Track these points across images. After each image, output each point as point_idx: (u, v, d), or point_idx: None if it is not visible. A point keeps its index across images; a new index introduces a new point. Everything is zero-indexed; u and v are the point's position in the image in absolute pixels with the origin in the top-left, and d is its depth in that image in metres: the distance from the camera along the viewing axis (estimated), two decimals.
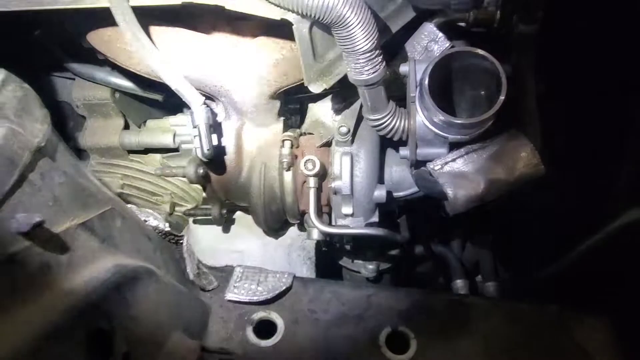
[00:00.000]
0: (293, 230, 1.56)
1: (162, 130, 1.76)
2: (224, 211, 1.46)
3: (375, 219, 1.34)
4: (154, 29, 1.20)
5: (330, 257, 1.60)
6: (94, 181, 0.87)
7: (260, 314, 1.20)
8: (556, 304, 1.21)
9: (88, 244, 0.76)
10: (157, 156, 1.79)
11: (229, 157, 1.34)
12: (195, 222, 1.56)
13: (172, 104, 1.76)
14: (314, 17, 0.95)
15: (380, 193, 1.30)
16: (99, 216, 0.81)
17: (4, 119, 0.62)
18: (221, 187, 1.40)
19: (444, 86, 1.15)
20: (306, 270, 1.47)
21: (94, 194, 0.83)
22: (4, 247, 0.60)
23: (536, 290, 1.36)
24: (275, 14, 0.99)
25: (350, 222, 1.32)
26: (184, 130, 1.70)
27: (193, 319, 1.07)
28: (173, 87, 1.15)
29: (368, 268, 1.52)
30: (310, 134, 1.40)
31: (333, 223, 1.35)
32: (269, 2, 0.96)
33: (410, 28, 1.20)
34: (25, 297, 0.61)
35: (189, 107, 1.39)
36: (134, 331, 0.80)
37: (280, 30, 1.18)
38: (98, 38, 1.23)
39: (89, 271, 0.74)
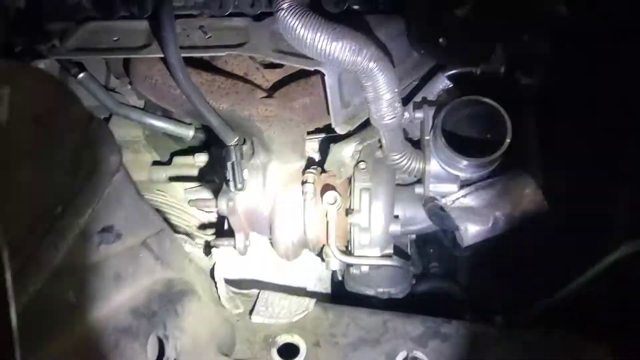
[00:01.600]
0: (311, 262, 1.66)
1: (188, 166, 1.88)
2: (248, 242, 1.56)
3: (390, 250, 1.44)
4: (195, 74, 1.34)
5: (343, 288, 1.68)
6: (149, 205, 0.99)
7: (283, 337, 1.28)
8: (561, 332, 1.29)
9: (147, 259, 0.86)
10: (179, 188, 1.91)
11: (256, 191, 1.46)
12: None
13: (197, 141, 1.90)
14: (344, 68, 1.09)
15: (395, 226, 1.41)
16: (155, 236, 0.92)
17: (93, 150, 0.75)
18: (247, 219, 1.51)
19: (456, 130, 1.28)
20: (323, 298, 1.56)
21: (150, 217, 0.94)
22: (89, 257, 0.70)
23: (541, 320, 1.43)
24: (309, 64, 1.13)
25: (367, 252, 1.42)
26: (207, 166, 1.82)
27: (224, 338, 1.16)
28: (212, 126, 1.28)
29: (379, 292, 1.60)
30: (331, 171, 1.52)
31: (351, 253, 1.45)
32: (304, 55, 1.10)
33: (426, 78, 1.34)
34: (101, 298, 0.71)
35: (214, 145, 1.53)
36: (181, 341, 0.89)
37: (309, 77, 1.33)
38: (146, 83, 1.37)
39: (148, 282, 0.84)
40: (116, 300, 0.75)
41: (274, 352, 1.26)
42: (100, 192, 0.73)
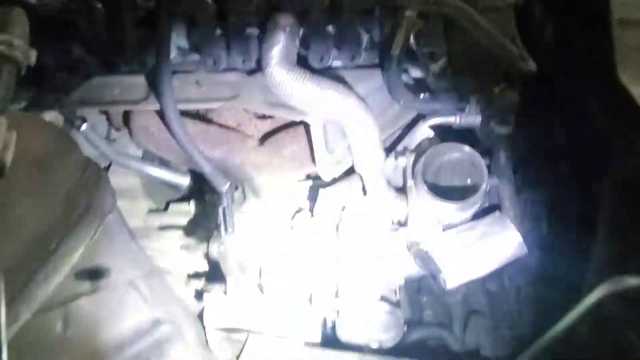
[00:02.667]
0: (301, 307, 1.67)
1: (183, 213, 1.94)
2: (239, 287, 1.59)
3: (377, 294, 1.46)
4: (190, 124, 1.42)
5: (334, 336, 1.69)
6: (140, 247, 1.03)
7: None
8: None
9: (134, 298, 0.90)
10: (174, 236, 1.95)
11: (246, 237, 1.50)
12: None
13: (192, 189, 1.96)
14: (329, 118, 1.17)
15: (382, 269, 1.44)
16: (144, 277, 0.96)
17: (88, 193, 0.81)
18: (238, 264, 1.54)
19: (437, 176, 1.35)
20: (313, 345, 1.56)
21: (140, 258, 0.99)
22: (78, 293, 0.74)
23: None
24: (296, 115, 1.22)
25: (356, 296, 1.44)
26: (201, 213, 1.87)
27: None
28: (205, 173, 1.34)
29: (370, 339, 1.60)
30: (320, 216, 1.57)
31: (338, 298, 1.47)
32: (293, 108, 1.18)
33: (409, 126, 1.42)
34: (88, 334, 0.75)
35: (208, 193, 1.59)
36: None
37: (297, 127, 1.41)
38: (143, 132, 1.45)
39: (134, 322, 0.87)
40: (102, 337, 0.78)
41: None
42: (92, 231, 0.78)
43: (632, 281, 1.19)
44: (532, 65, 1.27)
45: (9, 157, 0.58)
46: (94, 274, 0.77)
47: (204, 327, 1.33)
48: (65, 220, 0.73)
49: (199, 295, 1.69)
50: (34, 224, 0.68)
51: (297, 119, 1.23)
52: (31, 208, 0.68)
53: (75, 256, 0.73)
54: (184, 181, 1.89)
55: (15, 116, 0.62)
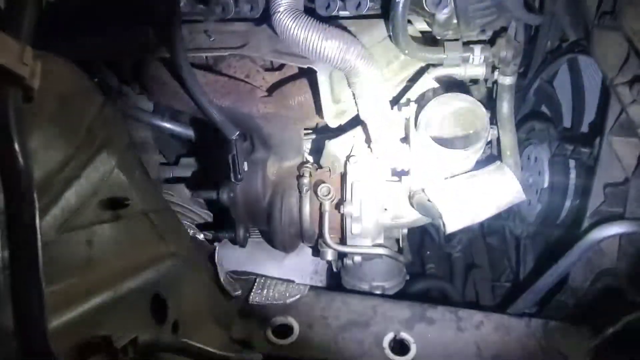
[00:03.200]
0: (308, 255, 1.75)
1: (193, 166, 2.00)
2: (247, 234, 1.66)
3: (380, 240, 1.53)
4: (200, 75, 1.46)
5: (339, 280, 1.77)
6: (155, 184, 1.09)
7: (278, 318, 1.36)
8: (542, 317, 1.37)
9: (150, 229, 0.96)
10: (184, 188, 2.02)
11: (255, 185, 1.56)
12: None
13: (202, 143, 2.02)
14: (334, 65, 1.20)
15: (384, 217, 1.50)
16: (157, 210, 1.02)
17: (107, 128, 0.86)
18: (247, 211, 1.60)
19: (440, 126, 1.38)
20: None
21: (156, 194, 1.05)
22: (100, 218, 0.81)
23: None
24: (303, 62, 1.25)
25: (359, 242, 1.50)
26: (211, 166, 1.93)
27: (222, 315, 1.24)
28: (215, 122, 1.38)
29: (373, 286, 1.68)
30: (325, 167, 1.62)
31: (344, 244, 1.53)
32: (300, 55, 1.21)
33: (414, 78, 1.45)
34: (109, 255, 0.81)
35: (218, 146, 1.64)
36: (181, 307, 0.98)
37: (303, 79, 1.44)
38: (155, 83, 1.48)
39: (151, 251, 0.94)
40: (122, 258, 0.84)
41: (269, 331, 1.34)
42: (112, 162, 0.84)
43: (624, 227, 1.24)
44: (538, 16, 1.28)
45: (36, 84, 0.63)
46: (115, 204, 0.83)
47: (217, 265, 1.41)
48: (86, 151, 0.78)
49: (209, 241, 1.77)
50: (58, 150, 0.73)
51: (304, 65, 1.26)
52: (57, 135, 0.73)
53: (96, 183, 0.79)
54: (194, 134, 1.95)
55: (42, 54, 0.66)
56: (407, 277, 1.84)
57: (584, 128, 1.65)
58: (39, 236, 0.56)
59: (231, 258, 1.74)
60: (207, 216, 1.96)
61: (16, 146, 0.57)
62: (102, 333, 0.69)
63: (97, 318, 0.73)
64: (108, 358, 0.65)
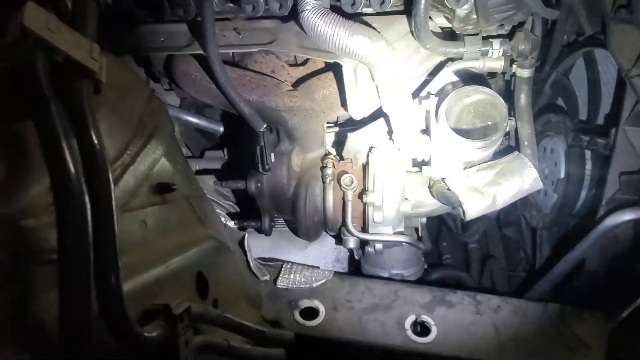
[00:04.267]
0: (330, 244, 1.81)
1: (218, 159, 2.08)
2: (273, 223, 1.73)
3: (401, 228, 1.59)
4: (229, 70, 1.53)
5: (359, 267, 1.83)
6: (192, 170, 1.17)
7: (305, 301, 1.44)
8: (558, 302, 1.42)
9: (193, 214, 1.04)
10: (209, 180, 2.09)
11: (280, 175, 1.63)
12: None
13: (226, 137, 2.10)
14: (359, 60, 1.26)
15: (405, 206, 1.56)
16: (198, 197, 1.09)
17: (154, 118, 0.94)
18: (272, 201, 1.68)
19: (460, 117, 1.44)
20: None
21: (195, 179, 1.13)
22: (152, 200, 0.88)
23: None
24: (329, 57, 1.31)
25: (381, 230, 1.57)
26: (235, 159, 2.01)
27: (252, 296, 1.32)
28: (244, 114, 1.45)
29: (393, 274, 1.75)
30: (348, 159, 1.68)
31: (366, 232, 1.60)
32: (326, 50, 1.27)
33: (434, 72, 1.50)
34: (161, 233, 0.89)
35: (243, 139, 1.70)
36: (220, 285, 1.06)
37: (327, 73, 1.50)
38: (185, 77, 1.56)
39: (193, 233, 1.01)
40: (171, 238, 0.92)
41: (297, 313, 1.41)
42: (160, 149, 0.91)
43: (638, 213, 1.29)
44: (556, 11, 1.33)
45: (104, 77, 0.70)
46: (164, 188, 0.90)
47: (247, 251, 1.48)
48: (139, 139, 0.86)
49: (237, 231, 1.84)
50: (118, 137, 0.81)
51: (331, 60, 1.32)
52: (117, 124, 0.80)
53: (148, 168, 0.86)
54: (219, 128, 2.03)
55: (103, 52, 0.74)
56: (425, 266, 1.90)
57: (600, 120, 1.69)
58: (114, 211, 0.63)
59: (256, 247, 1.81)
60: (231, 207, 2.03)
61: (92, 132, 0.64)
62: (158, 300, 0.77)
63: (153, 289, 0.81)
64: (167, 322, 0.73)
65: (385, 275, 1.79)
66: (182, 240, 0.96)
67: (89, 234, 0.59)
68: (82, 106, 0.64)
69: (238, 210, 2.01)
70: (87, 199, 0.60)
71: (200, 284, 0.99)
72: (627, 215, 1.29)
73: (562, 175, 1.75)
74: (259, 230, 1.75)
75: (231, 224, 1.55)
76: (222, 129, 2.03)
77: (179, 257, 0.91)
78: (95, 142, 0.63)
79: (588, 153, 1.67)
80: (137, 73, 0.99)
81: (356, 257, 1.73)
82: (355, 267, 1.74)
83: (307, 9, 1.24)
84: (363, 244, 1.67)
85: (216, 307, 1.02)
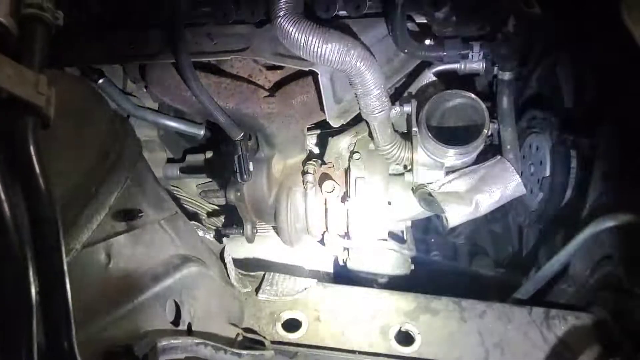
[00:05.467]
0: (314, 249, 1.79)
1: (199, 162, 2.03)
2: (255, 230, 1.70)
3: (385, 233, 1.57)
4: (204, 77, 1.48)
5: (345, 272, 1.81)
6: (165, 191, 1.13)
7: (287, 313, 1.41)
8: (543, 306, 1.41)
9: (164, 237, 1.01)
10: (191, 184, 2.06)
11: (261, 182, 1.60)
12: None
13: (207, 140, 2.06)
14: (335, 67, 1.22)
15: (388, 212, 1.54)
16: (170, 217, 1.06)
17: (118, 143, 0.89)
18: (253, 208, 1.65)
19: (441, 121, 1.41)
20: (325, 281, 1.68)
21: (166, 201, 1.09)
22: (117, 231, 0.85)
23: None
24: (304, 65, 1.27)
25: (363, 236, 1.55)
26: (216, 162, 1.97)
27: (232, 312, 1.29)
28: (220, 123, 1.41)
29: (379, 278, 1.73)
30: (329, 163, 1.65)
31: (349, 238, 1.58)
32: (300, 57, 1.23)
33: (414, 74, 1.47)
34: (128, 264, 0.86)
35: (223, 142, 1.67)
36: (194, 309, 1.03)
37: (305, 77, 1.46)
38: (160, 86, 1.51)
39: (166, 257, 0.98)
40: (139, 268, 0.89)
41: (279, 326, 1.39)
42: (124, 177, 0.87)
43: (622, 219, 1.27)
44: (536, 11, 1.29)
45: (52, 112, 0.66)
46: (129, 215, 0.87)
47: (224, 265, 1.45)
48: (100, 168, 0.82)
49: (218, 238, 1.82)
50: (75, 172, 0.77)
51: (305, 68, 1.28)
52: (72, 158, 0.77)
53: (112, 199, 0.82)
54: (199, 131, 1.98)
55: (52, 73, 0.69)
56: (412, 267, 1.89)
57: (585, 114, 1.66)
58: (64, 256, 0.60)
59: (239, 250, 1.78)
60: (214, 210, 2.00)
61: (38, 173, 0.60)
62: (123, 341, 0.74)
63: (118, 326, 0.78)
64: None
65: (371, 279, 1.78)
66: (152, 268, 0.93)
67: (32, 306, 0.56)
68: (26, 148, 0.60)
69: (221, 213, 1.99)
70: (29, 264, 0.56)
71: (174, 311, 0.96)
72: (610, 222, 1.27)
73: (548, 173, 1.73)
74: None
75: (209, 236, 1.52)
76: (202, 132, 1.98)
77: (149, 288, 0.88)
78: (42, 186, 0.60)
79: (573, 151, 1.64)
80: (98, 93, 0.94)
81: (340, 262, 1.71)
82: (339, 273, 1.72)
83: (279, 16, 1.19)
84: (346, 249, 1.65)
85: (190, 332, 0.99)
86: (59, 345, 0.59)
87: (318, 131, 1.70)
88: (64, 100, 0.78)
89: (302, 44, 1.19)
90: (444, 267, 2.22)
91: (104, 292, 0.78)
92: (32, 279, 0.59)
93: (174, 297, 0.96)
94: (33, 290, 0.59)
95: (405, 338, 1.37)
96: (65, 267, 0.61)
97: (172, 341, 0.82)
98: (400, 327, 1.39)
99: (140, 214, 0.88)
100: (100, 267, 0.80)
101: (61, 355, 0.59)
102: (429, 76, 1.46)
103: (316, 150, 1.73)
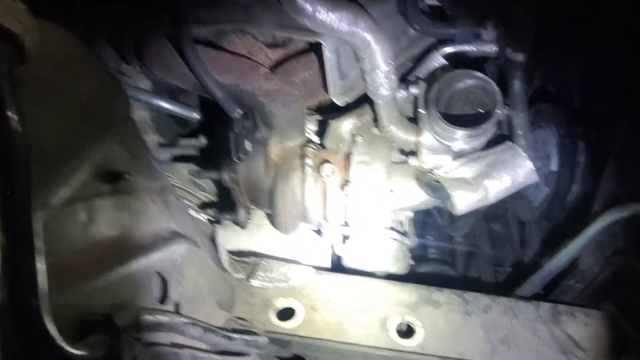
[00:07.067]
0: (311, 237, 1.71)
1: (192, 147, 1.95)
2: (249, 215, 1.62)
3: (386, 223, 1.49)
4: (201, 51, 1.41)
5: (340, 263, 1.73)
6: (156, 162, 1.05)
7: (281, 301, 1.33)
8: (550, 301, 1.34)
9: (153, 207, 0.92)
10: (184, 169, 1.97)
11: (257, 165, 1.52)
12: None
13: (201, 123, 1.98)
14: (342, 39, 1.15)
15: (390, 199, 1.46)
16: (160, 188, 0.98)
17: (107, 101, 0.81)
18: (248, 192, 1.56)
19: (449, 103, 1.34)
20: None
21: (158, 172, 1.00)
22: (100, 192, 0.76)
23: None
24: (310, 36, 1.20)
25: (363, 225, 1.47)
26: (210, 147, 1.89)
27: (223, 296, 1.21)
28: (217, 99, 1.33)
29: (376, 270, 1.65)
30: (329, 148, 1.58)
31: (348, 226, 1.50)
32: (306, 28, 1.16)
33: (422, 56, 1.40)
34: (110, 226, 0.77)
35: (218, 127, 1.59)
36: (182, 287, 0.95)
37: (308, 54, 1.39)
38: (155, 59, 1.43)
39: (153, 227, 0.90)
40: (124, 234, 0.80)
41: (272, 314, 1.31)
42: (112, 136, 0.79)
43: (636, 209, 1.21)
44: None
45: (31, 44, 0.58)
46: (114, 177, 0.79)
47: (219, 246, 1.37)
48: (86, 123, 0.74)
49: (210, 223, 1.73)
50: (57, 124, 0.69)
51: (311, 39, 1.21)
52: (55, 109, 0.69)
53: (97, 157, 0.75)
54: (193, 114, 1.90)
55: (37, 22, 0.61)
56: (412, 263, 1.81)
57: (596, 108, 1.61)
58: (32, 208, 0.52)
59: (233, 235, 1.70)
60: (206, 198, 1.91)
61: (9, 111, 0.52)
62: (103, 311, 0.66)
63: (98, 295, 0.70)
64: (110, 336, 0.62)
65: (369, 271, 1.70)
66: (139, 237, 0.85)
67: None
68: None
69: (214, 200, 1.90)
70: None
71: (160, 286, 0.88)
72: (624, 212, 1.21)
73: (554, 167, 1.67)
74: (235, 222, 1.64)
75: (202, 217, 1.44)
76: (196, 115, 1.90)
77: (135, 257, 0.80)
78: (13, 123, 0.51)
79: (582, 144, 1.59)
80: (88, 49, 0.86)
81: (337, 252, 1.63)
82: (336, 263, 1.64)
83: None
84: (345, 238, 1.57)
85: (178, 312, 0.91)
86: (26, 304, 0.51)
87: (319, 115, 1.62)
88: (51, 49, 0.71)
89: (308, 12, 1.11)
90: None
91: (84, 257, 0.70)
92: None
93: (162, 273, 0.88)
94: None
95: (406, 331, 1.29)
96: (35, 221, 0.52)
97: (157, 317, 0.74)
98: (401, 319, 1.31)
99: (129, 177, 0.80)
100: (80, 229, 0.71)
101: (26, 315, 0.51)
102: (437, 58, 1.40)
103: (316, 136, 1.65)
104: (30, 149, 0.56)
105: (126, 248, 0.79)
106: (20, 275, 0.51)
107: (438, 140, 1.33)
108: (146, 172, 0.92)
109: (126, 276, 0.77)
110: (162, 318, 0.73)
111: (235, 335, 0.94)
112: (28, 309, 0.50)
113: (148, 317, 0.70)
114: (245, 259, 1.45)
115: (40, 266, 0.55)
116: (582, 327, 1.28)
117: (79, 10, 1.33)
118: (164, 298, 0.88)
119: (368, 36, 1.14)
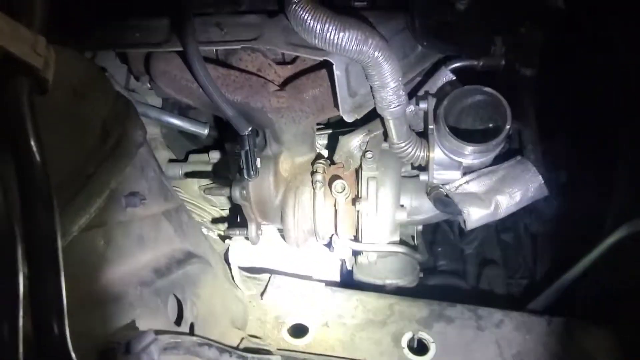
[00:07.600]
0: (321, 253, 1.71)
1: (203, 163, 1.97)
2: (260, 231, 1.63)
3: (396, 238, 1.49)
4: (211, 68, 1.42)
5: (351, 277, 1.73)
6: (169, 182, 1.06)
7: (293, 317, 1.33)
8: (565, 316, 1.33)
9: (167, 228, 0.93)
10: (194, 185, 1.99)
11: (267, 181, 1.53)
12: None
13: (211, 140, 1.99)
14: (351, 58, 1.16)
15: (401, 214, 1.46)
16: (173, 209, 0.99)
17: (121, 123, 0.82)
18: (259, 208, 1.57)
19: (459, 119, 1.34)
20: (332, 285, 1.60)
21: (170, 192, 1.02)
22: (117, 216, 0.77)
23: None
24: (319, 55, 1.21)
25: (374, 239, 1.47)
26: (220, 163, 1.90)
27: (236, 314, 1.21)
28: (227, 117, 1.35)
29: (387, 284, 1.65)
30: (339, 163, 1.58)
31: (359, 241, 1.50)
32: (315, 47, 1.17)
33: (430, 72, 1.41)
34: (126, 253, 0.78)
35: (228, 142, 1.60)
36: (197, 308, 0.95)
37: (318, 72, 1.40)
38: (165, 77, 1.45)
39: (168, 249, 0.91)
40: (140, 259, 0.81)
41: (284, 331, 1.31)
42: (127, 160, 0.80)
43: None
44: (560, 3, 1.24)
45: (50, 75, 0.60)
46: (130, 201, 0.80)
47: (228, 266, 1.38)
48: (101, 148, 0.75)
49: (222, 239, 1.74)
50: (74, 149, 0.70)
51: (320, 58, 1.22)
52: (71, 135, 0.70)
53: (112, 182, 0.76)
54: (204, 130, 1.92)
55: (53, 45, 0.63)
56: (421, 275, 1.81)
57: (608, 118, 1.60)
58: (59, 237, 0.53)
59: (244, 253, 1.70)
60: (216, 212, 1.93)
61: (32, 141, 0.53)
62: (120, 336, 0.66)
63: (115, 320, 0.70)
64: None
65: (379, 284, 1.70)
66: (154, 259, 0.86)
67: (18, 293, 0.48)
68: (19, 112, 0.53)
69: (224, 215, 1.91)
70: (18, 245, 0.49)
71: (176, 307, 0.88)
72: (639, 226, 1.20)
73: (564, 179, 1.66)
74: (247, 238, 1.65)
75: (213, 234, 1.44)
76: (207, 131, 1.92)
77: (151, 281, 0.80)
78: (36, 153, 0.53)
79: (592, 155, 1.58)
80: (101, 71, 0.88)
81: (348, 267, 1.63)
82: (347, 278, 1.64)
83: (294, 2, 1.14)
84: (355, 253, 1.58)
85: (192, 332, 0.92)
86: (50, 338, 0.52)
87: (328, 131, 1.63)
88: (65, 74, 0.72)
89: (317, 32, 1.13)
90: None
91: (101, 282, 0.71)
92: (20, 262, 0.52)
93: (177, 294, 0.88)
94: (21, 275, 0.52)
95: (418, 346, 1.29)
96: (60, 251, 0.53)
97: (173, 340, 0.74)
98: (414, 335, 1.30)
99: (143, 200, 0.81)
100: (98, 255, 0.72)
101: (52, 350, 0.52)
102: (446, 73, 1.41)
103: (326, 151, 1.66)
104: (49, 178, 0.57)
105: (142, 272, 0.80)
106: (45, 306, 0.52)
107: (447, 156, 1.33)
108: (160, 194, 0.93)
109: (142, 299, 0.78)
110: (178, 341, 0.74)
111: (249, 355, 0.94)
112: (52, 340, 0.51)
113: (165, 341, 0.70)
114: (256, 276, 1.45)
115: (64, 296, 0.55)
116: (596, 342, 1.27)
117: (90, 29, 1.36)
118: (179, 319, 0.89)
119: (377, 54, 1.15)
